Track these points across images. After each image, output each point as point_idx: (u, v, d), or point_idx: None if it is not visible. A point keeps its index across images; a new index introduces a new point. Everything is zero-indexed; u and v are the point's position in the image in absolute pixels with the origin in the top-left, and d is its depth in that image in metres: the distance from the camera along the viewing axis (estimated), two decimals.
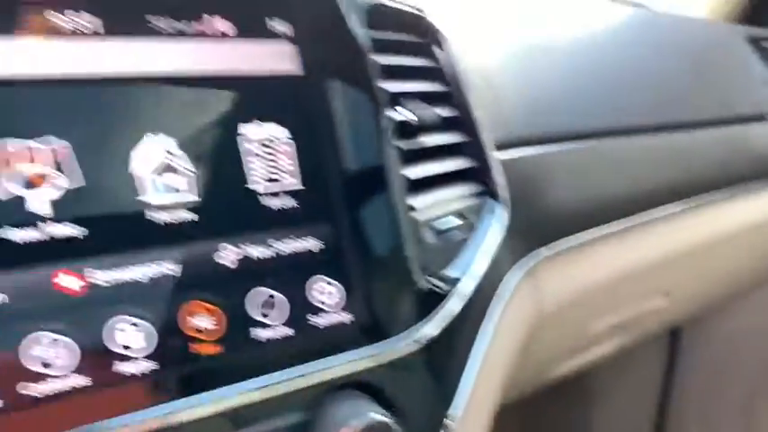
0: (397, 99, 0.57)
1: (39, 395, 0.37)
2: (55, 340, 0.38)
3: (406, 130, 0.56)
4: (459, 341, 0.56)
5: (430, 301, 0.53)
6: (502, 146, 0.68)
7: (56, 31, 0.41)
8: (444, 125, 0.60)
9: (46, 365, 0.38)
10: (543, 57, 0.84)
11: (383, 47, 0.57)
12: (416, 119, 0.57)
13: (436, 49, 0.62)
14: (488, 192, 0.63)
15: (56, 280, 0.39)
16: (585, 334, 0.95)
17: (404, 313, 0.51)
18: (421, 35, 0.61)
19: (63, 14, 0.41)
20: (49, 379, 0.38)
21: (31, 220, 0.38)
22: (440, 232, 0.56)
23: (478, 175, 0.63)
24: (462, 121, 0.63)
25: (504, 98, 0.74)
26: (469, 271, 0.57)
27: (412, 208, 0.54)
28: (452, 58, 0.63)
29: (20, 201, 0.38)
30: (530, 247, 0.70)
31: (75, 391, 0.38)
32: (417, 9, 0.60)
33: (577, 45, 0.91)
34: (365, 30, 0.54)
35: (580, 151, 0.80)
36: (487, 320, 0.59)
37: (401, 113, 0.56)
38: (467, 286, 0.56)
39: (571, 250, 0.77)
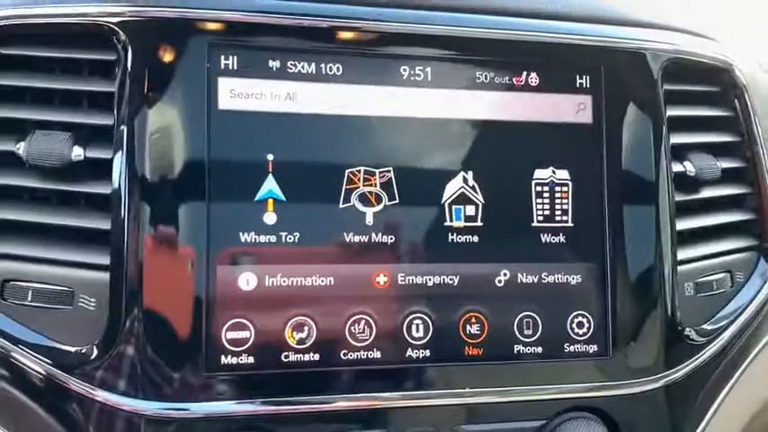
0: (681, 150, 0.59)
1: (347, 358, 0.49)
2: (362, 321, 0.50)
3: (684, 180, 0.59)
4: (699, 391, 0.59)
5: (680, 348, 0.56)
6: None
7: (400, 81, 0.51)
8: (726, 177, 0.61)
9: (353, 337, 0.50)
10: None
11: (677, 98, 0.59)
12: (697, 171, 0.59)
13: (734, 100, 0.62)
14: (759, 247, 0.63)
15: (375, 276, 0.50)
16: None
17: (650, 356, 0.55)
18: (720, 85, 0.62)
19: (412, 69, 0.51)
20: (353, 349, 0.50)
21: (362, 228, 0.50)
22: (703, 286, 0.59)
23: (753, 228, 0.63)
24: (747, 174, 0.63)
25: None
26: (729, 328, 0.59)
27: (677, 260, 0.57)
28: (751, 108, 0.62)
29: (357, 212, 0.50)
30: None
31: (367, 361, 0.50)
32: (723, 61, 0.61)
33: None
34: (662, 81, 0.57)
35: None
36: (731, 376, 0.60)
37: (683, 165, 0.59)
38: (722, 341, 0.58)
39: None
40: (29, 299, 0.47)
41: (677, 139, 0.59)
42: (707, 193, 0.60)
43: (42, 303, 0.48)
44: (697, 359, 0.57)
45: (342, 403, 0.49)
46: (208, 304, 0.47)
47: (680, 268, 0.57)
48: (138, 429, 0.47)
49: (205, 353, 0.47)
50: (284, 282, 0.49)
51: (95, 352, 0.47)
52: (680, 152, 0.59)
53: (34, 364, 0.47)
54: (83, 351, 0.47)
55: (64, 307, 0.48)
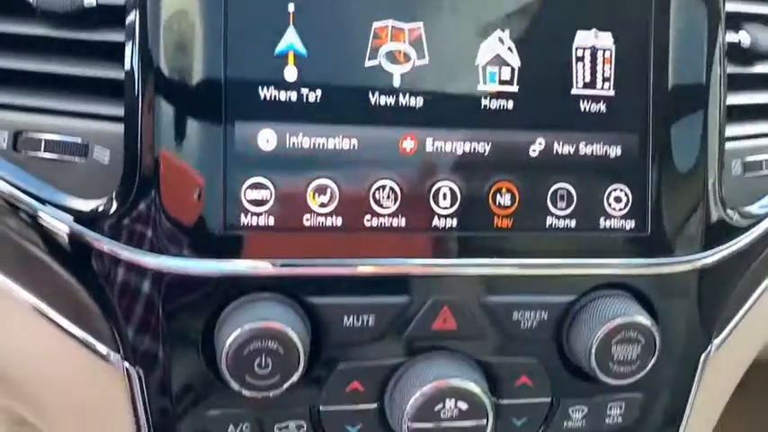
0: (736, 19, 0.55)
1: (371, 225, 0.47)
2: (386, 187, 0.47)
3: (738, 52, 0.54)
4: (737, 278, 0.56)
5: (719, 231, 0.53)
6: None
7: None
8: None
9: (377, 203, 0.47)
10: None
11: None
12: (752, 43, 0.55)
13: None
14: None
15: (401, 141, 0.47)
16: None
17: (689, 235, 0.52)
18: None
19: None
20: (377, 215, 0.47)
21: (388, 89, 0.47)
22: (751, 165, 0.55)
23: None
24: None
25: None
26: None
27: (725, 135, 0.53)
28: None
29: (383, 71, 0.47)
30: None
31: (392, 229, 0.48)
32: None
33: None
34: None
35: None
36: None
37: (737, 35, 0.54)
38: (763, 226, 0.55)
39: None
40: (42, 150, 0.46)
41: (732, 6, 0.54)
42: (761, 67, 0.56)
43: (56, 155, 0.46)
44: (738, 243, 0.54)
45: (363, 268, 0.47)
46: (226, 161, 0.45)
47: (728, 145, 0.53)
48: (155, 285, 0.46)
49: (224, 211, 0.45)
50: (305, 142, 0.46)
51: (112, 207, 0.46)
52: (735, 21, 0.55)
53: (54, 221, 0.46)
54: (99, 207, 0.46)
55: (78, 159, 0.46)
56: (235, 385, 0.44)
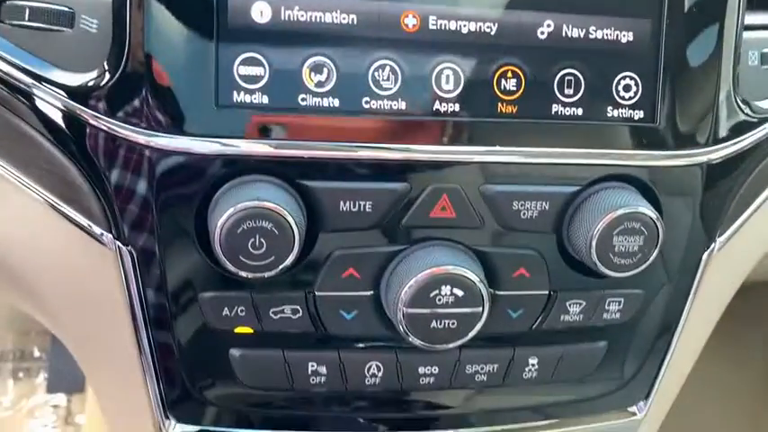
0: None
1: (370, 107, 0.45)
2: (386, 67, 0.45)
3: None
4: (743, 174, 0.54)
5: (730, 124, 0.51)
6: None
7: None
8: None
9: (377, 84, 0.46)
10: None
11: None
12: None
13: None
14: None
15: (402, 17, 0.45)
16: None
17: (698, 129, 0.50)
18: None
19: None
20: (376, 97, 0.46)
21: None
22: None
23: None
24: None
25: None
26: None
27: (744, 23, 0.50)
28: None
29: None
30: None
31: (391, 112, 0.46)
32: None
33: None
34: None
35: None
36: None
37: None
38: None
39: None
40: (26, 19, 0.44)
41: None
42: None
43: (41, 23, 0.44)
44: (747, 138, 0.52)
45: (361, 152, 0.46)
46: (218, 34, 0.43)
47: (745, 34, 0.51)
48: (147, 163, 0.44)
49: (216, 86, 0.43)
50: (301, 16, 0.44)
51: (102, 80, 0.44)
52: None
53: (48, 96, 0.44)
54: (89, 81, 0.44)
55: (65, 29, 0.44)
56: (228, 265, 0.44)
